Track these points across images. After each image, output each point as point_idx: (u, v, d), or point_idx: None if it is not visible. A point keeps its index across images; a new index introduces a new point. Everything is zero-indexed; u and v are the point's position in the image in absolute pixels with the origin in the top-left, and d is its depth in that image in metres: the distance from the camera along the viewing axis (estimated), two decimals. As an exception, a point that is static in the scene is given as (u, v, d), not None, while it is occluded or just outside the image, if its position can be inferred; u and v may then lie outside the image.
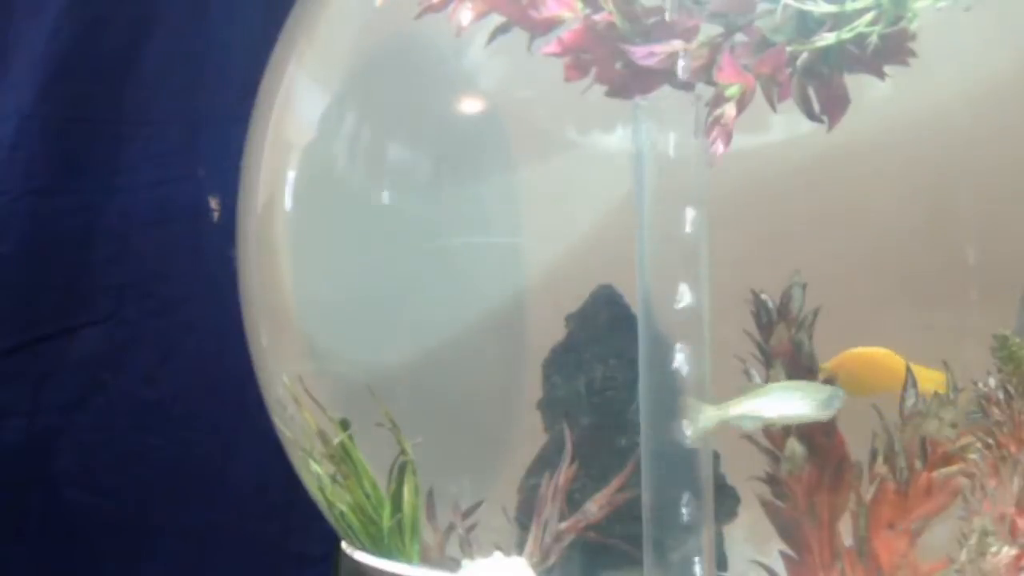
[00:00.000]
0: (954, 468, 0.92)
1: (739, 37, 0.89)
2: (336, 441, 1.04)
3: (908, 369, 0.93)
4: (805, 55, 0.87)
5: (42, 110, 1.55)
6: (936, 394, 0.92)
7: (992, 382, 0.92)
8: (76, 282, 1.57)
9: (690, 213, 0.93)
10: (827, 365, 0.95)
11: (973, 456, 0.92)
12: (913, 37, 0.88)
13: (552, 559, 1.01)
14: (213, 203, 1.56)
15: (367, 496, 1.04)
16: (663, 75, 0.89)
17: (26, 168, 1.55)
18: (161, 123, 1.58)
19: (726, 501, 1.01)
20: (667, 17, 0.89)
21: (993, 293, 0.96)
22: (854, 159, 0.95)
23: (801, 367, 0.94)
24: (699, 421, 0.91)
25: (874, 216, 0.97)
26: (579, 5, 0.91)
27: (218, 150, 1.52)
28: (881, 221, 0.97)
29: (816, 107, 0.89)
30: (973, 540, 0.91)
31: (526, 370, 1.08)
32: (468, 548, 1.03)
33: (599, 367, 1.04)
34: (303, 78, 1.16)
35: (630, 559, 0.98)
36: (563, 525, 1.01)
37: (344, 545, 1.08)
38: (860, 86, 0.89)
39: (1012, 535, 0.91)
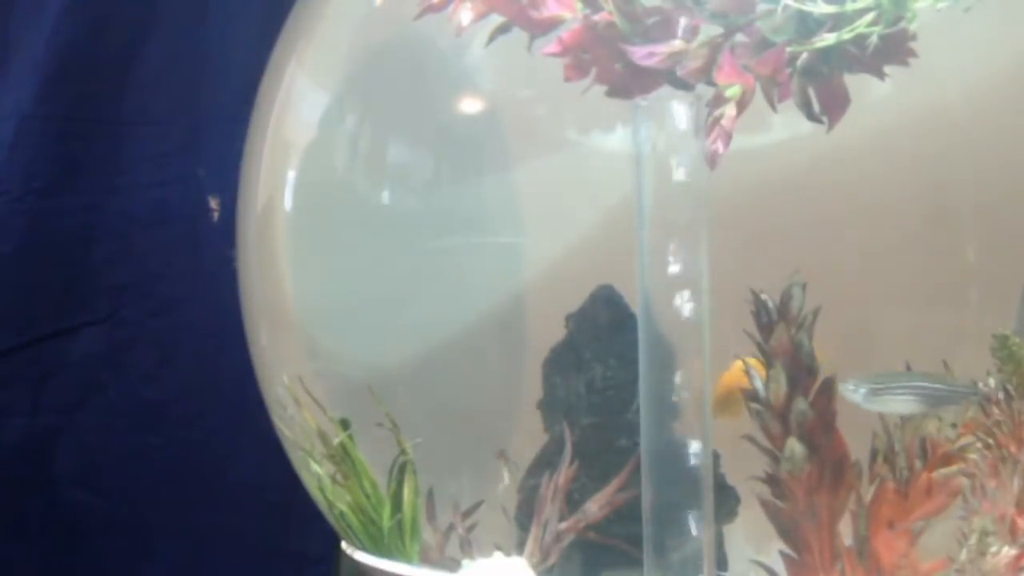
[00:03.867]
0: (954, 468, 0.92)
1: (739, 37, 0.89)
2: (336, 441, 1.04)
3: (908, 367, 0.93)
4: (805, 55, 0.87)
5: (42, 110, 1.55)
6: (936, 394, 0.92)
7: (992, 382, 0.92)
8: (76, 282, 1.57)
9: (690, 212, 0.93)
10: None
11: (973, 456, 0.92)
12: (913, 37, 0.88)
13: (552, 559, 1.01)
14: (213, 203, 1.56)
15: (367, 496, 1.04)
16: (663, 75, 0.89)
17: (26, 168, 1.55)
18: (161, 123, 1.58)
19: (726, 501, 1.01)
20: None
21: (993, 293, 0.96)
22: (854, 159, 0.95)
23: (801, 367, 0.94)
24: None
25: (874, 216, 0.97)
26: (579, 5, 0.91)
27: (218, 150, 1.52)
28: (881, 221, 0.97)
29: (816, 107, 0.89)
30: (973, 540, 0.91)
31: (526, 370, 1.08)
32: (468, 548, 1.03)
33: (599, 367, 1.04)
34: (303, 78, 1.16)
35: (630, 559, 0.98)
36: (563, 525, 1.01)
37: (344, 545, 1.08)
38: (860, 86, 0.89)
39: (1012, 535, 0.91)
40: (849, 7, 0.86)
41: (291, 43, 1.16)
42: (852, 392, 0.91)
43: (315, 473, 1.07)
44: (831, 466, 0.94)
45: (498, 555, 0.97)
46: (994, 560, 0.91)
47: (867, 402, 0.91)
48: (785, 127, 0.95)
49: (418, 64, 1.08)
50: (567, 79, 0.91)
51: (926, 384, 0.91)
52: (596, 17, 0.90)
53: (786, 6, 0.87)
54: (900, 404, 0.91)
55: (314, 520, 1.13)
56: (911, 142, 0.96)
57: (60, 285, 1.57)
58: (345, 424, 1.05)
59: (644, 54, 0.89)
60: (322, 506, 1.09)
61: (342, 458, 1.05)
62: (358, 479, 1.04)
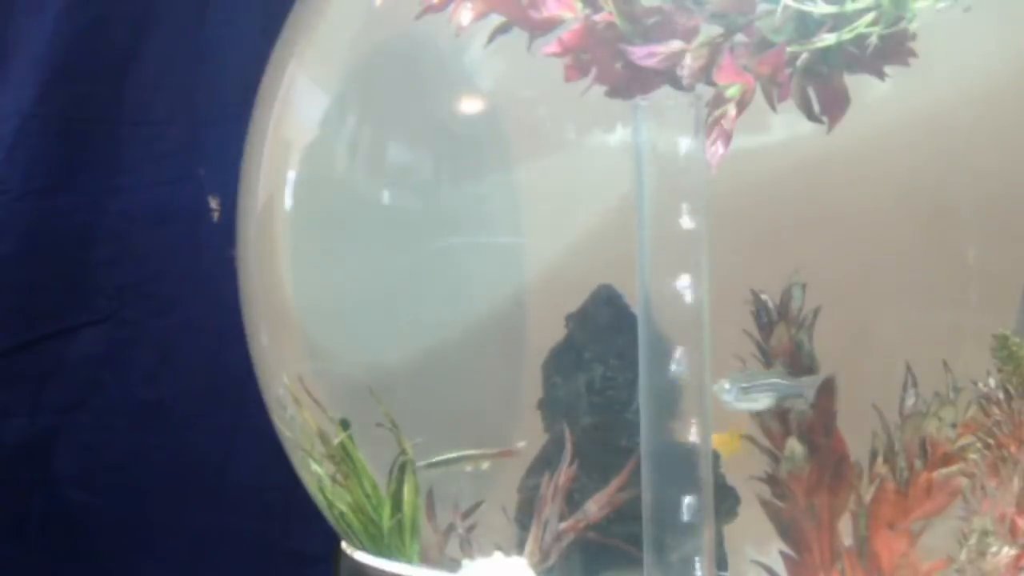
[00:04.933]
0: (954, 468, 0.92)
1: (739, 37, 0.89)
2: (336, 441, 1.05)
3: (908, 367, 0.93)
4: (805, 55, 0.87)
5: (42, 110, 1.55)
6: (936, 394, 0.92)
7: (992, 382, 0.92)
8: (76, 282, 1.57)
9: (690, 213, 0.93)
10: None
11: (973, 456, 0.92)
12: (913, 37, 0.88)
13: (552, 559, 1.01)
14: (213, 203, 1.56)
15: (367, 496, 1.04)
16: (663, 75, 0.89)
17: (26, 168, 1.55)
18: (161, 123, 1.58)
19: (726, 501, 1.01)
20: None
21: (993, 293, 0.96)
22: (854, 159, 0.95)
23: (801, 367, 0.94)
24: None
25: (874, 216, 0.97)
26: (579, 5, 0.91)
27: (218, 150, 1.52)
28: (881, 221, 0.97)
29: (816, 107, 0.89)
30: (973, 540, 0.91)
31: (526, 370, 1.08)
32: (468, 548, 1.03)
33: (599, 367, 1.04)
34: (303, 78, 1.16)
35: (630, 559, 0.98)
36: (563, 525, 1.01)
37: (344, 545, 1.08)
38: (860, 86, 0.89)
39: (1012, 535, 0.91)
40: (849, 7, 0.86)
41: (291, 43, 1.16)
42: (726, 392, 0.92)
43: (315, 473, 1.07)
44: (831, 466, 0.94)
45: (498, 555, 0.97)
46: (994, 560, 0.91)
47: (737, 401, 0.93)
48: (785, 127, 0.95)
49: (418, 64, 1.08)
50: (567, 79, 0.91)
51: (778, 380, 0.93)
52: (596, 17, 0.90)
53: (786, 6, 0.87)
54: (761, 401, 0.93)
55: (314, 520, 1.13)
56: (911, 142, 0.96)
57: (60, 285, 1.57)
58: (345, 424, 1.05)
59: (644, 54, 0.89)
60: (322, 506, 1.09)
61: (342, 458, 1.05)
62: (358, 479, 1.04)
